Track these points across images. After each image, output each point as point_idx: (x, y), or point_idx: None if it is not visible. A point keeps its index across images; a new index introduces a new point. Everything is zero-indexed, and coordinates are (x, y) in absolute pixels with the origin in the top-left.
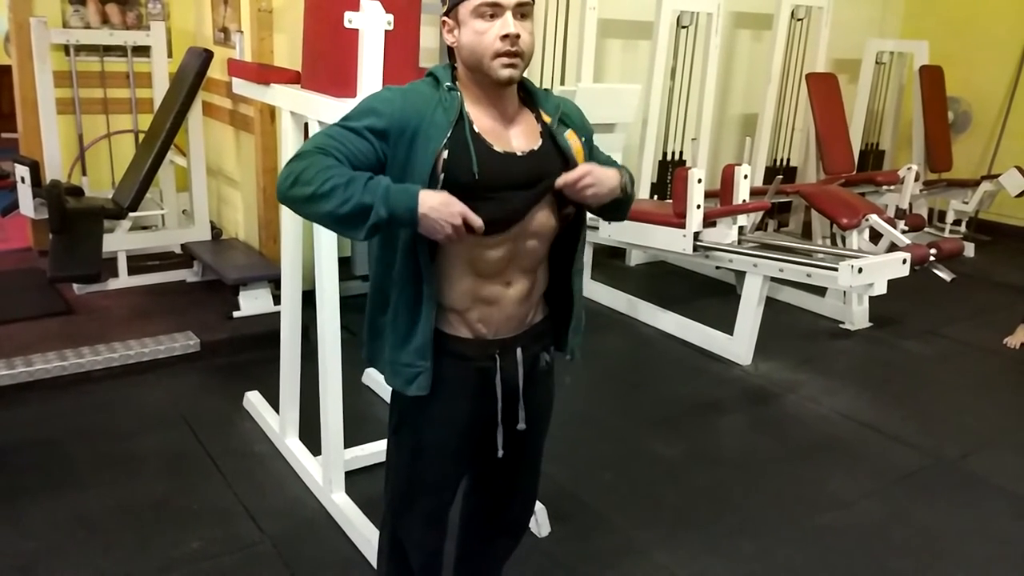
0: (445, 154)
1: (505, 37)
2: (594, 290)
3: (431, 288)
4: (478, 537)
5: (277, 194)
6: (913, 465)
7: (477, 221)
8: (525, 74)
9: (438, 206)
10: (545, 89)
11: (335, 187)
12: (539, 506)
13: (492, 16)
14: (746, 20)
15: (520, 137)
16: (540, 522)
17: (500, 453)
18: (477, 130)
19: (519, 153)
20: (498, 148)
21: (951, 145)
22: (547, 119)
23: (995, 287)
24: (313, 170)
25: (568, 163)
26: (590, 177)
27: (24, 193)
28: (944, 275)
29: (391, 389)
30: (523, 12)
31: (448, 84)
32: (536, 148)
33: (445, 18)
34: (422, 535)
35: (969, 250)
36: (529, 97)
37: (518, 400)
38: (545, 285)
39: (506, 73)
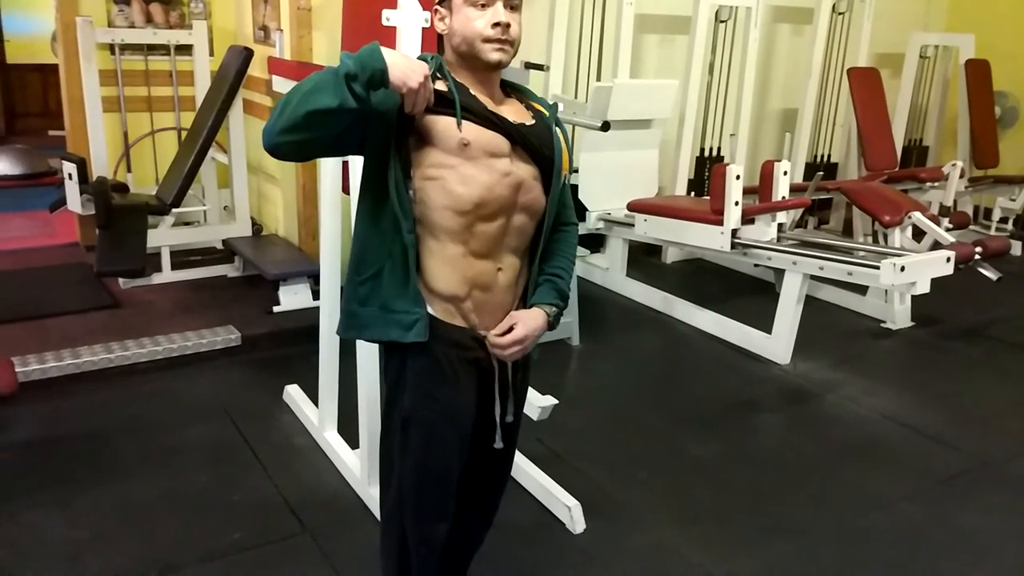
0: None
1: (496, 25)
2: (629, 287)
3: (412, 237)
4: (455, 526)
5: (266, 142)
6: (956, 467)
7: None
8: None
9: (401, 59)
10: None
11: (300, 86)
12: (573, 502)
13: (484, 6)
14: (786, 14)
15: (511, 114)
16: (575, 518)
17: (500, 445)
18: (473, 93)
19: (512, 120)
20: (492, 109)
21: (998, 141)
22: (541, 110)
23: None
24: (282, 102)
25: (554, 158)
26: (518, 347)
27: (71, 189)
28: (990, 274)
29: (387, 398)
30: (513, 5)
31: (433, 56)
32: (529, 124)
33: (438, 7)
34: (431, 529)
35: (1016, 248)
36: (514, 92)
37: (508, 395)
38: (527, 278)
39: (496, 56)
